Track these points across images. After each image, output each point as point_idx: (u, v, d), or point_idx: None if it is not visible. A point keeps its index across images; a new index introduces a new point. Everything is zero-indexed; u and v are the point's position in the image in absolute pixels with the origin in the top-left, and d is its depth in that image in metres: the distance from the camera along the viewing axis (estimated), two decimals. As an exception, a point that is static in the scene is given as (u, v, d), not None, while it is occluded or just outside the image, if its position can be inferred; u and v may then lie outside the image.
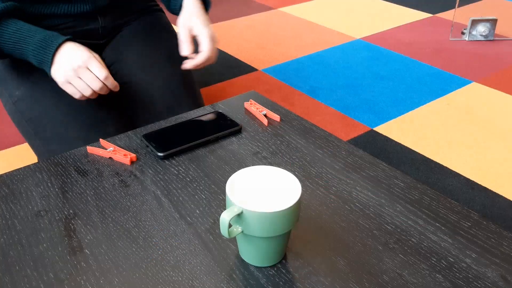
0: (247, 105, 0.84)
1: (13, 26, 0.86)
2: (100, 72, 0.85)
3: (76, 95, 0.86)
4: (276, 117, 0.81)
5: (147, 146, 0.73)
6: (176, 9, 0.99)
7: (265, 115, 0.81)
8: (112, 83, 0.87)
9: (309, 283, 0.51)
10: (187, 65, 0.91)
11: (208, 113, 0.81)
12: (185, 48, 0.91)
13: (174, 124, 0.78)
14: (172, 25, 1.17)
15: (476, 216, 0.59)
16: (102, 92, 0.87)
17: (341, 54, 2.11)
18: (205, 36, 0.90)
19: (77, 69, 0.84)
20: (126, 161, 0.70)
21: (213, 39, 0.91)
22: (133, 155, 0.70)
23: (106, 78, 0.86)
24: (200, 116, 0.81)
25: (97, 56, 0.88)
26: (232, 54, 2.09)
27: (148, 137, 0.74)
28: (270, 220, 0.47)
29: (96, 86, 0.85)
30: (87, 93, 0.85)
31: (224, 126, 0.77)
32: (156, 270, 0.52)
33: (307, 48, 2.18)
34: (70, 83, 0.85)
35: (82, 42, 1.03)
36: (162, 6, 1.19)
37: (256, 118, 0.81)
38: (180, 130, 0.76)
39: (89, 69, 0.85)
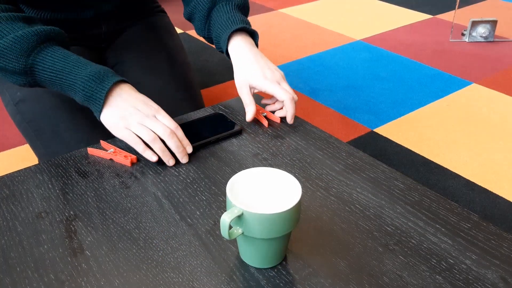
0: None
1: (58, 53, 0.73)
2: (170, 122, 0.72)
3: (132, 142, 0.70)
4: (276, 119, 0.81)
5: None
6: (221, 50, 0.88)
7: (265, 117, 0.81)
8: (184, 138, 0.72)
9: (310, 284, 0.51)
10: (288, 119, 0.79)
11: (209, 115, 0.81)
12: (250, 112, 0.79)
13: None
14: (175, 26, 1.17)
15: (476, 217, 0.59)
16: (173, 143, 0.70)
17: (341, 55, 2.12)
18: (273, 88, 0.79)
19: (144, 118, 0.71)
20: (127, 162, 0.70)
21: (280, 81, 0.80)
22: (134, 156, 0.71)
23: (176, 127, 0.72)
24: (201, 117, 0.81)
25: None
26: (232, 55, 2.10)
27: None
28: (271, 221, 0.47)
29: (163, 131, 0.70)
30: (149, 137, 0.69)
31: (225, 128, 0.77)
32: (157, 271, 0.52)
33: (307, 49, 2.18)
34: (128, 129, 0.71)
35: (84, 45, 1.03)
36: (165, 7, 1.19)
37: (257, 119, 0.81)
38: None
39: (156, 119, 0.72)
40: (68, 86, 0.73)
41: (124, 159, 0.70)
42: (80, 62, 0.74)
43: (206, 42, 2.23)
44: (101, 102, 0.72)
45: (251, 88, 0.81)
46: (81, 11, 0.96)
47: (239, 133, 0.77)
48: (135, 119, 0.71)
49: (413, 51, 2.15)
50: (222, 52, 0.89)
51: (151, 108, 0.73)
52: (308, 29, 2.41)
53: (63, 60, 0.73)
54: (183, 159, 0.71)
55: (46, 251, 0.55)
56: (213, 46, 0.95)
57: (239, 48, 0.83)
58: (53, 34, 0.75)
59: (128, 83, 0.76)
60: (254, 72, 0.80)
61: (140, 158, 0.71)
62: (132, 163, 0.70)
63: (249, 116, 0.80)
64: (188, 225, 0.59)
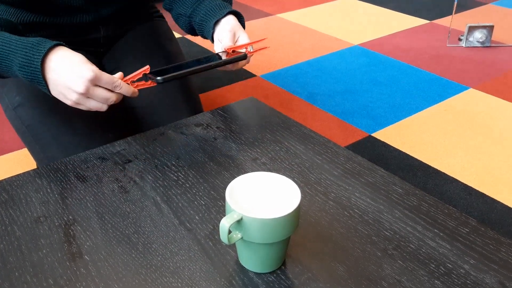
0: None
1: None
2: (110, 81, 0.73)
3: (91, 110, 0.75)
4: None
5: (149, 79, 0.76)
6: (207, 28, 0.93)
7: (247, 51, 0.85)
8: (128, 90, 0.75)
9: (309, 289, 0.51)
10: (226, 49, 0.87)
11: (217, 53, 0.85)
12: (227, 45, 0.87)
13: (179, 63, 0.81)
14: (173, 31, 1.18)
15: (474, 222, 0.60)
16: (116, 100, 0.75)
17: (339, 60, 2.12)
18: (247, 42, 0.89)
19: (86, 92, 0.72)
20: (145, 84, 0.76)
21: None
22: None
23: (115, 86, 0.73)
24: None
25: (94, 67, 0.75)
26: (230, 60, 2.10)
27: (153, 73, 0.76)
28: (270, 226, 0.48)
29: (111, 100, 0.74)
30: (104, 108, 0.75)
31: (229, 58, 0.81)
32: (156, 276, 0.52)
33: (306, 54, 2.18)
34: (80, 104, 0.74)
35: (82, 49, 1.03)
36: (163, 12, 1.20)
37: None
38: (183, 64, 0.79)
39: (98, 86, 0.73)
40: (15, 73, 0.75)
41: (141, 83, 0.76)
42: (11, 42, 0.73)
43: (205, 46, 2.23)
44: (43, 84, 0.73)
45: (235, 36, 0.89)
46: (80, 15, 0.96)
47: (244, 58, 0.82)
48: (79, 98, 0.72)
49: (411, 56, 2.16)
50: (208, 29, 0.93)
51: (87, 81, 0.71)
52: (306, 34, 2.41)
53: (2, 45, 0.73)
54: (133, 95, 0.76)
55: (45, 256, 0.55)
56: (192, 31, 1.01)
57: (235, 20, 0.91)
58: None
59: (54, 46, 0.73)
60: (244, 31, 0.90)
61: (139, 162, 0.71)
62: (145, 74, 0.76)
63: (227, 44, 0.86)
64: (187, 230, 0.59)
